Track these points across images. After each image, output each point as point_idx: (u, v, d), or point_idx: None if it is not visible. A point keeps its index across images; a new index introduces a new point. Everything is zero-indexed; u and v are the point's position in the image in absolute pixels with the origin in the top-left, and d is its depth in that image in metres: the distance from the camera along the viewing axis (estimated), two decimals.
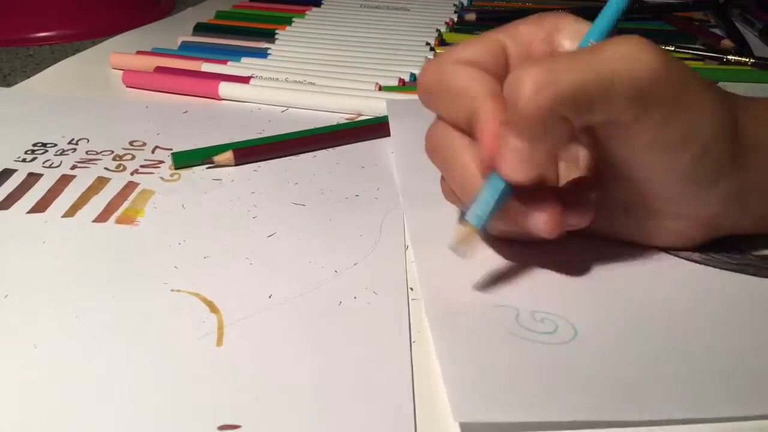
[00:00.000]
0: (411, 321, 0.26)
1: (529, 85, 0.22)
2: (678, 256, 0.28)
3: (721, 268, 0.28)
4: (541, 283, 0.27)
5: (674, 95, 0.23)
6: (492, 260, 0.28)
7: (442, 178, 0.29)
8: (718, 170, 0.25)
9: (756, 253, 0.29)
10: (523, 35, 0.26)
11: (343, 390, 0.22)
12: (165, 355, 0.24)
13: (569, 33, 0.26)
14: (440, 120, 0.27)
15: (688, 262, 0.28)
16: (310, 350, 0.24)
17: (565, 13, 0.27)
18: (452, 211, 0.31)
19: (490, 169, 0.24)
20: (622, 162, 0.25)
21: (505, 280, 0.27)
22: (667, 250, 0.29)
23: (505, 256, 0.29)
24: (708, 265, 0.28)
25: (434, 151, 0.28)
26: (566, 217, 0.25)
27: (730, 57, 0.53)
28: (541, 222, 0.25)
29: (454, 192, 0.28)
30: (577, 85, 0.22)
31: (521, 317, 0.25)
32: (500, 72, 0.26)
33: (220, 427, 0.21)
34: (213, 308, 0.26)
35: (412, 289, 0.27)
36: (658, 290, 0.27)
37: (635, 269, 0.28)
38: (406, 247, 0.30)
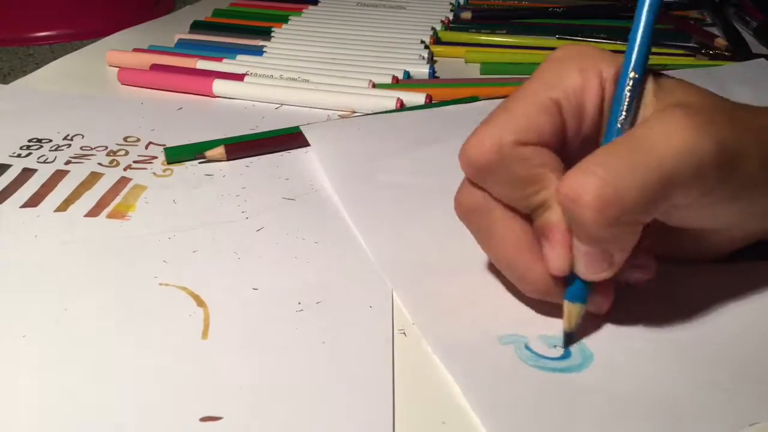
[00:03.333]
0: (394, 315, 0.26)
1: (590, 204, 0.21)
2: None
3: None
4: (544, 304, 0.26)
5: (731, 165, 0.22)
6: (483, 286, 0.27)
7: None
8: (764, 199, 0.24)
9: None
10: (575, 90, 0.24)
11: (325, 383, 0.23)
12: (151, 348, 0.24)
13: (612, 84, 0.24)
14: (475, 186, 0.25)
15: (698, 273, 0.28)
16: (293, 344, 0.25)
17: (600, 53, 0.24)
18: (417, 242, 0.30)
19: (565, 271, 0.24)
20: (679, 225, 0.24)
21: (504, 306, 0.26)
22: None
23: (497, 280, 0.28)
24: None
25: (470, 216, 0.26)
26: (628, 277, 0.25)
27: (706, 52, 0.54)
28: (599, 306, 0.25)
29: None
30: (642, 193, 0.21)
31: (532, 345, 0.24)
32: (562, 140, 0.24)
33: (202, 419, 0.21)
34: (200, 302, 0.27)
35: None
36: (673, 302, 0.26)
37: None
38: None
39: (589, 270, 0.23)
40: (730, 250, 0.28)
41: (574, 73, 0.24)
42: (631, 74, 0.23)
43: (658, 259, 0.26)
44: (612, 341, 0.24)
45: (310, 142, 0.39)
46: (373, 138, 0.39)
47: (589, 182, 0.21)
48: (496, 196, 0.24)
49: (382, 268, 0.28)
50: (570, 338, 0.24)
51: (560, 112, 0.23)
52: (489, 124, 0.24)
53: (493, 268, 0.27)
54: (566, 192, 0.21)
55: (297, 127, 0.41)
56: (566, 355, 0.24)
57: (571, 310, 0.24)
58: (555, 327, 0.25)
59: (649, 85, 0.24)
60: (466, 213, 0.26)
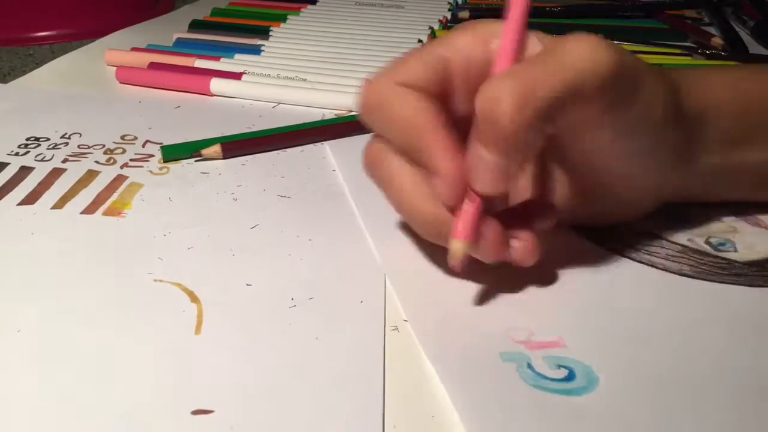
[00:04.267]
0: (386, 312, 0.26)
1: (509, 103, 0.22)
2: (668, 270, 0.28)
3: (713, 281, 0.28)
4: (545, 316, 0.26)
5: (632, 82, 0.24)
6: (491, 300, 0.27)
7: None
8: (670, 143, 0.27)
9: (740, 260, 0.29)
10: (461, 47, 0.26)
11: (316, 378, 0.23)
12: (144, 343, 0.25)
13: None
14: (378, 137, 0.27)
15: (679, 276, 0.28)
16: (286, 339, 0.25)
17: (496, 22, 0.26)
18: (425, 249, 0.29)
19: (456, 200, 0.25)
20: (580, 156, 0.26)
21: (510, 320, 0.26)
22: (654, 265, 0.29)
23: (493, 283, 0.27)
24: (700, 278, 0.28)
25: (372, 168, 0.28)
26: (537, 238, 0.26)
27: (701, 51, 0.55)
28: (520, 253, 0.26)
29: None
30: (555, 96, 0.22)
31: (535, 364, 0.24)
32: (444, 91, 0.26)
33: (194, 412, 0.22)
34: (194, 298, 0.27)
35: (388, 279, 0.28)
36: (677, 317, 0.26)
37: (643, 293, 0.27)
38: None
39: (489, 182, 0.24)
40: (646, 205, 0.30)
41: (466, 34, 0.26)
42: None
43: (580, 222, 0.30)
44: (620, 367, 0.24)
45: (331, 151, 0.39)
46: None
47: (508, 84, 0.22)
48: (386, 138, 0.26)
49: (388, 276, 0.28)
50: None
51: (446, 67, 0.25)
52: (379, 72, 0.26)
53: (503, 282, 0.27)
54: (486, 95, 0.23)
55: (294, 126, 0.41)
56: (570, 377, 0.23)
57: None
58: (558, 345, 0.25)
59: (535, 36, 0.25)
60: (368, 165, 0.28)
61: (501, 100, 0.22)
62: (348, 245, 0.30)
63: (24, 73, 0.52)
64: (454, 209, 0.25)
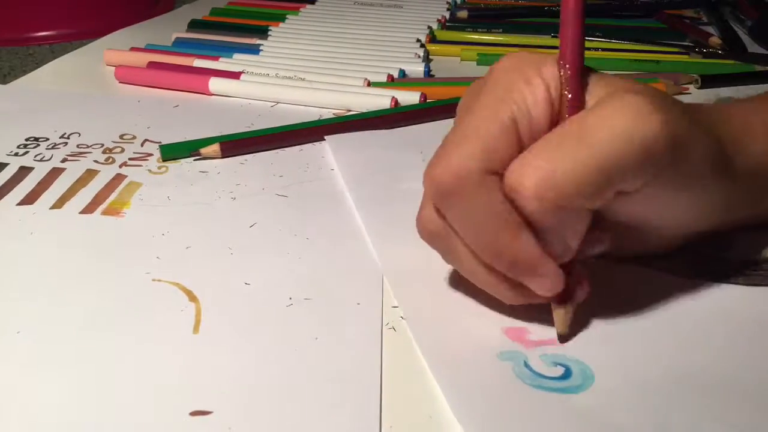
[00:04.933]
0: (384, 311, 0.26)
1: (531, 193, 0.21)
2: (680, 275, 0.28)
3: (710, 280, 0.28)
4: (541, 314, 0.25)
5: (678, 155, 0.22)
6: (487, 298, 0.26)
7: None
8: (717, 193, 0.25)
9: (736, 258, 0.29)
10: (526, 103, 0.23)
11: (313, 377, 0.23)
12: (143, 343, 0.25)
13: (556, 84, 0.24)
14: (436, 210, 0.24)
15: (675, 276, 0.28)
16: (283, 338, 0.25)
17: (540, 58, 0.24)
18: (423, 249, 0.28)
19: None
20: (622, 213, 0.25)
21: (507, 320, 0.26)
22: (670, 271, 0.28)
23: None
24: (697, 277, 0.28)
25: (432, 240, 0.26)
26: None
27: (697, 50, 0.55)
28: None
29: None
30: (580, 178, 0.21)
31: (532, 363, 0.24)
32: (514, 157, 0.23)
33: (192, 413, 0.22)
34: (192, 297, 0.27)
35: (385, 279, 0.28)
36: (675, 317, 0.26)
37: (641, 292, 0.27)
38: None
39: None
40: (688, 241, 0.28)
41: (521, 84, 0.23)
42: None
43: (619, 254, 0.27)
44: (617, 366, 0.24)
45: (330, 149, 0.39)
46: (394, 150, 0.39)
47: (527, 171, 0.21)
48: (457, 228, 0.24)
49: (386, 275, 0.28)
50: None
51: (517, 130, 0.23)
52: (454, 146, 0.23)
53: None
54: (508, 183, 0.22)
55: (293, 126, 0.41)
56: (566, 376, 0.23)
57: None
58: (555, 343, 0.25)
59: (594, 78, 0.24)
60: (429, 237, 0.26)
61: (521, 188, 0.21)
62: (346, 244, 0.30)
63: (24, 73, 0.52)
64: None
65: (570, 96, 0.23)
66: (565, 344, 0.25)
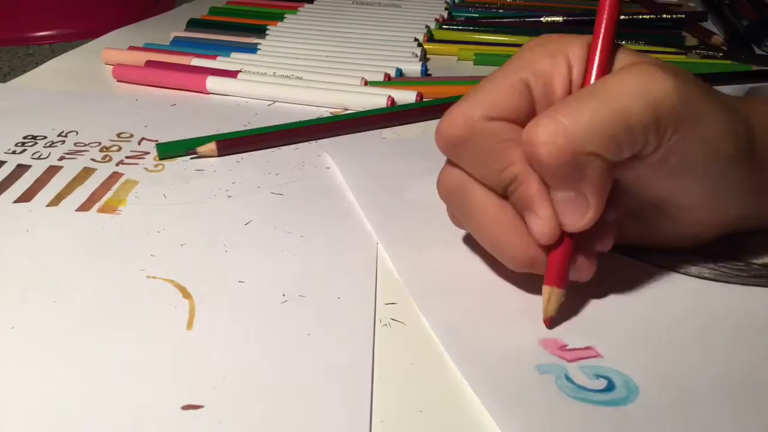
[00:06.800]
0: (376, 308, 0.27)
1: (545, 140, 0.22)
2: (689, 274, 0.28)
3: (735, 283, 0.27)
4: (573, 325, 0.25)
5: (692, 115, 0.23)
6: (518, 307, 0.26)
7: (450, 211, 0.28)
8: (740, 180, 0.25)
9: (759, 261, 0.28)
10: (543, 73, 0.25)
11: (305, 373, 0.23)
12: (137, 339, 0.25)
13: (581, 65, 0.25)
14: (455, 166, 0.26)
15: (699, 280, 0.28)
16: (276, 334, 0.25)
17: (569, 38, 0.25)
18: (438, 250, 0.30)
19: (553, 240, 0.24)
20: (644, 189, 0.25)
21: (535, 327, 0.25)
22: (681, 270, 0.28)
23: (516, 293, 0.27)
24: (721, 280, 0.27)
25: (451, 197, 0.27)
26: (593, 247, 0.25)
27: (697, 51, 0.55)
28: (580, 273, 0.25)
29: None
30: (588, 126, 0.22)
31: (572, 375, 0.23)
32: (529, 117, 0.24)
33: (184, 407, 0.22)
34: (186, 294, 0.27)
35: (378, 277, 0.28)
36: (717, 323, 0.25)
37: (648, 294, 0.27)
38: (377, 243, 0.31)
39: (570, 217, 0.24)
40: (706, 237, 0.28)
41: (544, 57, 0.25)
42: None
43: (628, 241, 0.27)
44: (661, 377, 0.23)
45: (332, 160, 0.38)
46: (400, 159, 0.38)
47: (542, 122, 0.22)
48: (470, 173, 0.25)
49: (410, 291, 0.27)
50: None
51: (529, 92, 0.24)
52: (460, 102, 0.25)
53: (528, 291, 0.27)
54: (525, 137, 0.23)
55: (289, 124, 0.41)
56: (610, 388, 0.23)
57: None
58: (592, 355, 0.24)
59: (623, 51, 0.25)
60: (446, 193, 0.27)
61: (535, 139, 0.22)
62: (340, 242, 0.31)
63: (24, 72, 0.52)
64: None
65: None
66: (603, 356, 0.24)
